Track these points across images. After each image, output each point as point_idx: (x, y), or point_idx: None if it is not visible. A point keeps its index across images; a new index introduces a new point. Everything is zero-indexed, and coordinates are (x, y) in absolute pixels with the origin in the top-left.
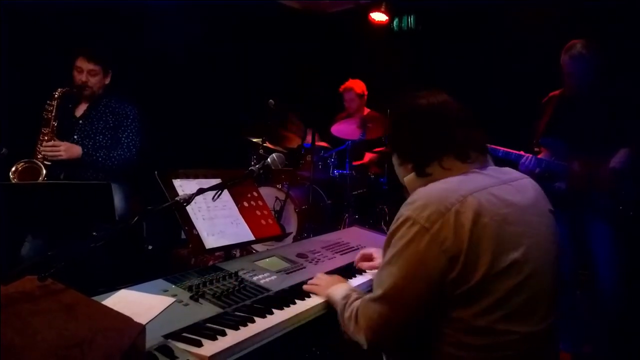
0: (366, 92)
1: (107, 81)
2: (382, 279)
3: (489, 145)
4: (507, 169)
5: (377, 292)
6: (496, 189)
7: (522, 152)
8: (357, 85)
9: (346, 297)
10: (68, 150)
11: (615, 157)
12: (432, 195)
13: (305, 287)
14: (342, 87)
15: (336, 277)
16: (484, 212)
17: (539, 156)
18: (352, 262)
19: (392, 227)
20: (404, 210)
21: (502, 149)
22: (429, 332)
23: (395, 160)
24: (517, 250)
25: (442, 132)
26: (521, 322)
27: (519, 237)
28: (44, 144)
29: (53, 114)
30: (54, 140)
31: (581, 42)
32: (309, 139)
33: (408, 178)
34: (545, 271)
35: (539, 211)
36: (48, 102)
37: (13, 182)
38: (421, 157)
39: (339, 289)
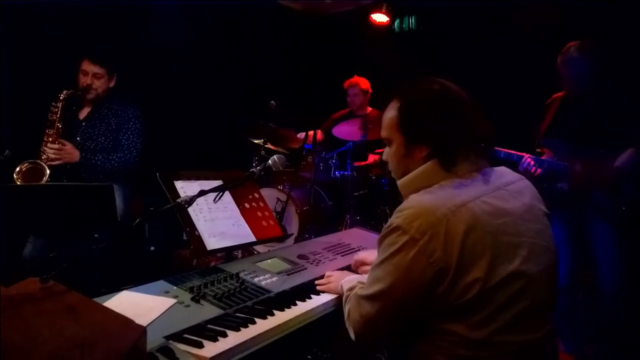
0: (370, 90)
1: (112, 84)
2: (371, 280)
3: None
4: (502, 170)
5: (367, 291)
6: (490, 196)
7: (523, 154)
8: (362, 82)
9: (351, 288)
10: (68, 154)
11: (620, 157)
12: (424, 204)
13: (319, 287)
14: (347, 82)
15: (345, 272)
16: (478, 224)
17: (543, 157)
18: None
19: (384, 231)
20: (395, 218)
21: (503, 150)
22: (424, 343)
23: (398, 148)
24: (512, 262)
25: (460, 118)
26: (519, 332)
27: (514, 247)
28: (49, 145)
29: (58, 116)
30: (59, 142)
31: (575, 45)
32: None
33: (419, 171)
34: (541, 279)
35: (534, 217)
36: (53, 103)
37: (17, 183)
38: (445, 142)
39: (347, 284)
